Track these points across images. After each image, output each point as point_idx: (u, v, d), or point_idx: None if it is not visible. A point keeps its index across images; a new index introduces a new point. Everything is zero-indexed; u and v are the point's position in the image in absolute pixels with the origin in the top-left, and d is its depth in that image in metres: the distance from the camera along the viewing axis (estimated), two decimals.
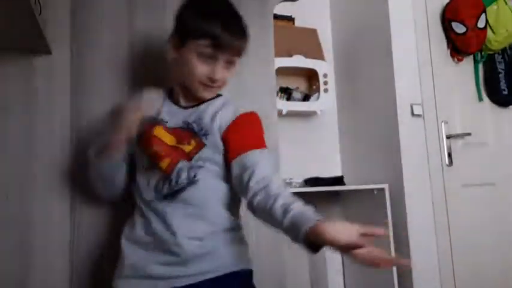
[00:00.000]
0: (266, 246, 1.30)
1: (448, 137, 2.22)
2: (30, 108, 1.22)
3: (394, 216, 2.02)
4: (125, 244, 1.08)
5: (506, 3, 2.36)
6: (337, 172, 2.43)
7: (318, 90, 2.31)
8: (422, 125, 2.16)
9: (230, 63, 1.08)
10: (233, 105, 1.10)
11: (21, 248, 1.17)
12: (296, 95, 2.31)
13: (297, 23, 2.45)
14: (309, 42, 2.37)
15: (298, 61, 2.27)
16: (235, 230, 1.09)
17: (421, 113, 2.15)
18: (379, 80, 2.23)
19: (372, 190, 2.08)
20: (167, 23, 1.36)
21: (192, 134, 1.06)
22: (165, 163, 1.04)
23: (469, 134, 2.25)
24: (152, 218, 1.05)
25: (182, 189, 1.04)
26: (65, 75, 1.26)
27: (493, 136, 2.41)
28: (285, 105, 2.20)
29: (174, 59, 1.12)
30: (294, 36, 2.34)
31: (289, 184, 2.09)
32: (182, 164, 1.04)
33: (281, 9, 2.13)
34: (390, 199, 2.03)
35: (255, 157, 1.03)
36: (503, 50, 2.46)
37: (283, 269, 1.39)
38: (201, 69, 1.05)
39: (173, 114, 1.10)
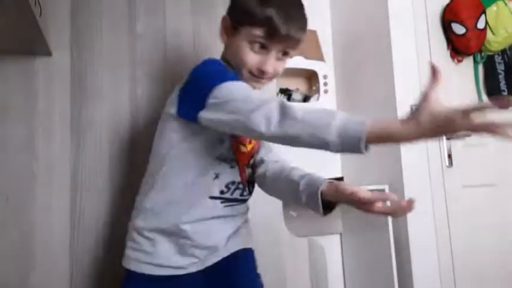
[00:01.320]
0: (266, 246, 1.30)
1: (448, 138, 2.22)
2: (31, 109, 1.22)
3: (394, 217, 2.02)
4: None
5: (506, 4, 2.36)
6: (337, 173, 2.43)
7: (318, 91, 2.31)
8: None
9: (284, 55, 1.01)
10: None
11: (21, 249, 1.17)
12: (296, 96, 2.31)
13: None
14: (308, 44, 2.37)
15: (298, 62, 2.27)
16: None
17: None
18: (379, 81, 2.23)
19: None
20: (167, 25, 1.37)
21: None
22: (247, 170, 1.08)
23: (469, 135, 2.24)
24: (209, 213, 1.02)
25: (244, 200, 1.09)
26: (65, 76, 1.27)
27: (493, 137, 2.40)
28: None
29: (225, 42, 1.06)
30: None
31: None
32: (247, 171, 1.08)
33: None
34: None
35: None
36: (503, 51, 2.46)
37: (283, 269, 1.39)
38: (252, 58, 0.98)
39: None
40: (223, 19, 1.05)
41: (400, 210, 0.85)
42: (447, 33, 2.31)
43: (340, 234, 2.40)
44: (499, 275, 2.23)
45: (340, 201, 0.90)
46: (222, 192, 1.02)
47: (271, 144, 1.09)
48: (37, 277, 1.17)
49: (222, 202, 1.02)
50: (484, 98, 2.41)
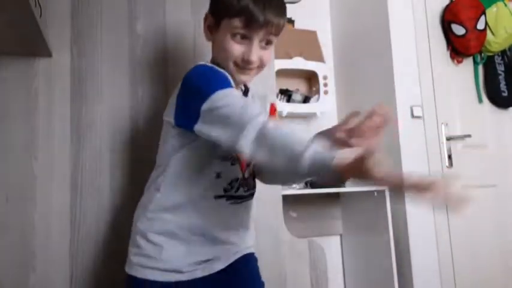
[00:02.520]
0: (266, 247, 1.30)
1: (448, 139, 2.22)
2: (31, 110, 1.22)
3: (394, 218, 2.02)
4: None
5: (505, 5, 2.36)
6: None
7: (317, 92, 2.31)
8: (422, 126, 2.16)
9: (267, 43, 1.01)
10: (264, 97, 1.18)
11: (21, 249, 1.17)
12: (296, 97, 2.31)
13: (297, 25, 2.45)
14: (308, 44, 2.38)
15: (298, 63, 2.28)
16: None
17: (421, 114, 2.15)
18: (379, 82, 2.23)
19: (372, 192, 2.08)
20: (167, 25, 1.37)
21: None
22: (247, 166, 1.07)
23: (469, 136, 2.24)
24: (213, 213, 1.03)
25: (250, 196, 1.09)
26: (65, 77, 1.27)
27: (493, 138, 2.41)
28: (285, 107, 2.20)
29: (210, 39, 1.07)
30: (294, 38, 2.34)
31: (290, 186, 2.09)
32: (249, 168, 1.08)
33: None
34: (390, 201, 2.03)
35: None
36: (503, 52, 2.47)
37: (283, 270, 1.39)
38: (236, 50, 0.99)
39: None
40: (205, 16, 1.07)
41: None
42: (447, 34, 2.32)
43: (340, 235, 2.40)
44: (498, 276, 2.23)
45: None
46: (225, 190, 1.02)
47: None
48: (37, 277, 1.17)
49: (227, 200, 1.02)
50: (484, 98, 2.41)
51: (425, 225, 2.08)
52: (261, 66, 1.03)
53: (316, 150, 0.78)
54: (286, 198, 1.50)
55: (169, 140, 1.02)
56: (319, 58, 2.38)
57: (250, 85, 1.12)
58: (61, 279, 1.19)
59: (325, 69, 2.34)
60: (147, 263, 0.99)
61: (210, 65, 1.03)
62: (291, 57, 2.26)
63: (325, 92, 2.30)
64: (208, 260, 1.04)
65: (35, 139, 1.22)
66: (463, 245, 2.15)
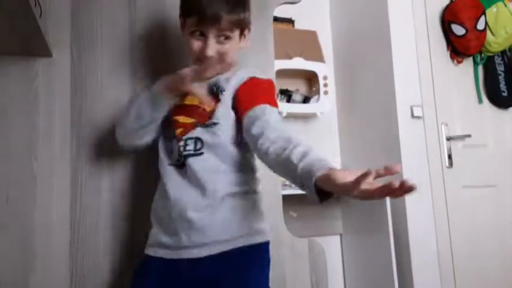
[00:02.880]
0: None
1: (448, 139, 2.22)
2: (31, 110, 1.23)
3: (394, 218, 2.02)
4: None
5: (505, 5, 2.36)
6: None
7: (317, 92, 2.32)
8: (422, 126, 2.16)
9: (225, 38, 1.05)
10: (250, 70, 1.12)
11: (21, 249, 1.17)
12: (296, 97, 2.32)
13: (297, 25, 2.46)
14: (308, 45, 2.38)
15: (298, 63, 2.28)
16: (247, 194, 1.09)
17: (421, 114, 2.15)
18: (379, 82, 2.23)
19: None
20: (167, 25, 1.37)
21: (213, 96, 1.07)
22: (178, 130, 1.08)
23: (469, 136, 2.24)
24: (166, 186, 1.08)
25: (186, 157, 1.05)
26: (65, 77, 1.27)
27: (493, 138, 2.41)
28: (285, 108, 2.21)
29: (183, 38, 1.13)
30: (294, 39, 2.34)
31: (290, 185, 2.09)
32: (193, 132, 1.07)
33: (281, 11, 2.14)
34: (390, 201, 2.03)
35: (267, 110, 1.02)
36: (503, 52, 2.47)
37: (283, 270, 1.39)
38: (195, 46, 1.06)
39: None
40: (179, 17, 1.14)
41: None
42: (447, 34, 2.32)
43: (340, 235, 2.41)
44: (498, 276, 2.23)
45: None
46: (177, 161, 1.07)
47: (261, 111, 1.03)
48: (37, 278, 1.17)
49: (177, 168, 1.07)
50: (484, 98, 2.42)
51: (425, 225, 2.08)
52: (223, 60, 1.05)
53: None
54: (286, 198, 1.50)
55: None
56: (319, 58, 2.38)
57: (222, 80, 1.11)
58: (61, 279, 1.19)
59: (325, 70, 2.34)
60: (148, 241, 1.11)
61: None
62: (291, 58, 2.26)
63: (325, 92, 2.30)
64: (186, 229, 1.02)
65: (35, 139, 1.22)
66: (463, 245, 2.15)
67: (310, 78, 2.39)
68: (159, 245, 1.07)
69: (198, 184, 1.04)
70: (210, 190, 1.03)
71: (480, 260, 2.18)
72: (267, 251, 1.09)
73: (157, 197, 1.12)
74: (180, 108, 1.10)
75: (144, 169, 1.25)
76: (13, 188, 1.18)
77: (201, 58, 1.05)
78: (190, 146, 1.06)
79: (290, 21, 2.44)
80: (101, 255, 1.23)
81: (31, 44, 1.18)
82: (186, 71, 0.99)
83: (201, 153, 1.06)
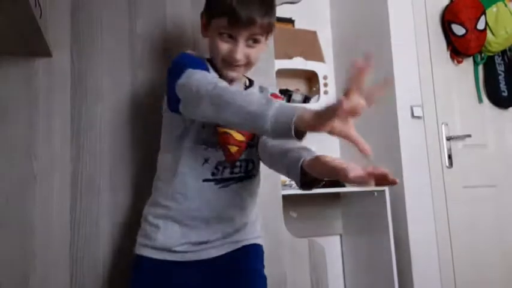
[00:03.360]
0: (266, 247, 1.30)
1: (448, 139, 2.22)
2: (31, 110, 1.22)
3: (394, 218, 2.02)
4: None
5: (505, 5, 2.36)
6: None
7: (318, 92, 2.31)
8: (422, 126, 2.16)
9: (254, 42, 1.04)
10: (267, 89, 1.18)
11: (21, 249, 1.17)
12: (296, 97, 2.31)
13: (297, 25, 2.45)
14: (308, 44, 2.38)
15: (298, 63, 2.28)
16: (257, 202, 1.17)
17: (421, 114, 2.15)
18: (379, 82, 2.23)
19: (372, 192, 2.08)
20: (168, 25, 1.37)
21: None
22: (234, 148, 1.07)
23: (469, 136, 2.25)
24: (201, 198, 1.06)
25: (239, 180, 1.08)
26: (65, 77, 1.27)
27: (493, 137, 2.41)
28: None
29: (205, 37, 1.11)
30: (294, 38, 2.34)
31: (290, 185, 2.09)
32: (246, 152, 1.08)
33: (281, 11, 2.13)
34: (390, 201, 2.03)
35: None
36: (503, 52, 2.47)
37: (283, 270, 1.39)
38: (223, 48, 1.03)
39: None
40: (201, 15, 1.12)
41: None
42: (447, 34, 2.32)
43: (340, 235, 2.41)
44: (498, 275, 2.23)
45: (324, 176, 0.87)
46: (213, 174, 1.06)
47: None
48: (37, 278, 1.17)
49: (215, 184, 1.06)
50: (484, 98, 2.42)
51: (425, 225, 2.08)
52: (249, 63, 1.07)
53: (279, 109, 0.79)
54: (286, 199, 1.50)
55: (165, 128, 1.12)
56: (319, 58, 2.38)
57: (254, 79, 1.18)
58: (61, 279, 1.19)
59: (325, 69, 2.34)
60: (145, 241, 1.08)
61: (189, 52, 1.10)
62: (291, 58, 2.26)
63: (325, 92, 2.30)
64: (201, 243, 1.06)
65: (35, 139, 1.22)
66: (463, 244, 2.15)
67: (310, 78, 2.39)
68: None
69: (238, 205, 1.10)
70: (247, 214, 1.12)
71: (480, 260, 2.18)
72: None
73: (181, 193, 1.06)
74: None
75: (144, 168, 1.25)
76: (13, 188, 1.18)
77: (228, 60, 1.04)
78: (246, 169, 1.09)
79: (290, 21, 2.44)
80: (101, 255, 1.22)
81: (31, 44, 1.17)
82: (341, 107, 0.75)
83: (253, 176, 1.11)
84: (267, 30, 1.05)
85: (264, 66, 1.46)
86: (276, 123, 0.77)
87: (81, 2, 1.30)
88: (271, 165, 1.07)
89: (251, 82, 1.18)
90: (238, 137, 1.07)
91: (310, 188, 0.92)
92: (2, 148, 1.19)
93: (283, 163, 0.96)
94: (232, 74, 1.07)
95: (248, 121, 0.81)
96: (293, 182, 2.13)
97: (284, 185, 1.85)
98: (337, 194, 2.37)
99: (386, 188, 2.04)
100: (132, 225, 1.24)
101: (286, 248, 1.42)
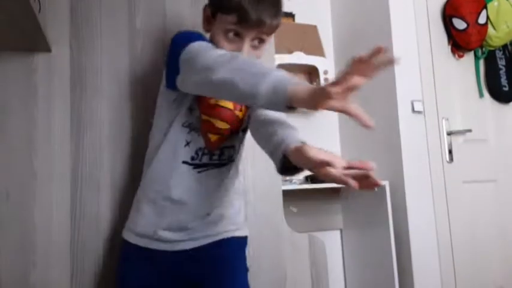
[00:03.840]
0: (266, 242, 1.30)
1: (448, 134, 2.22)
2: (30, 106, 1.22)
3: (394, 213, 2.02)
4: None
5: None
6: None
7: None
8: (422, 121, 2.15)
9: (260, 42, 1.03)
10: None
11: (22, 246, 1.17)
12: None
13: (297, 20, 2.44)
14: (309, 39, 2.37)
15: (298, 58, 2.27)
16: (240, 194, 1.17)
17: (421, 109, 2.15)
18: (380, 76, 2.21)
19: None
20: (167, 21, 1.37)
21: None
22: (214, 137, 1.07)
23: (469, 131, 2.24)
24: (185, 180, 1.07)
25: (216, 166, 1.08)
26: (65, 73, 1.26)
27: (493, 132, 2.41)
28: None
29: (207, 31, 1.10)
30: (294, 33, 2.33)
31: (290, 181, 2.09)
32: (230, 140, 1.08)
33: None
34: (391, 196, 2.03)
35: None
36: (504, 46, 2.46)
37: (283, 265, 1.39)
38: (227, 47, 1.00)
39: None
40: (204, 8, 1.09)
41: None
42: (448, 29, 2.31)
43: (341, 229, 2.41)
44: (499, 270, 2.24)
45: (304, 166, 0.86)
46: (192, 158, 1.06)
47: None
48: (38, 274, 1.17)
49: (194, 168, 1.06)
50: (485, 93, 2.41)
51: (425, 220, 2.08)
52: None
53: (278, 79, 0.78)
54: (286, 193, 1.50)
55: (157, 110, 1.12)
56: (320, 52, 2.37)
57: None
58: (62, 275, 1.19)
59: (325, 64, 2.33)
60: (129, 225, 1.13)
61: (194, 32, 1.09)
62: (291, 52, 2.25)
63: None
64: (180, 230, 1.07)
65: (35, 135, 1.22)
66: (463, 239, 2.15)
67: (311, 72, 2.38)
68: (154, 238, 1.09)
69: (216, 190, 1.09)
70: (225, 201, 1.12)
71: (480, 255, 2.18)
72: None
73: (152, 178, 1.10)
74: (211, 108, 1.06)
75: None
76: (13, 185, 1.18)
77: None
78: (225, 156, 1.09)
79: (290, 16, 2.43)
80: (101, 253, 1.23)
81: (30, 39, 1.17)
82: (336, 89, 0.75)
83: (233, 162, 1.11)
84: (274, 31, 1.04)
85: (264, 60, 1.45)
86: (271, 93, 0.77)
87: None
88: (257, 142, 1.07)
89: None
90: (221, 125, 1.07)
91: (291, 174, 0.91)
92: (1, 145, 1.19)
93: (267, 149, 0.95)
94: None
95: (245, 83, 0.79)
96: (293, 178, 2.14)
97: (284, 180, 1.85)
98: (338, 189, 2.37)
99: (386, 183, 2.04)
100: None
101: (287, 242, 1.43)
